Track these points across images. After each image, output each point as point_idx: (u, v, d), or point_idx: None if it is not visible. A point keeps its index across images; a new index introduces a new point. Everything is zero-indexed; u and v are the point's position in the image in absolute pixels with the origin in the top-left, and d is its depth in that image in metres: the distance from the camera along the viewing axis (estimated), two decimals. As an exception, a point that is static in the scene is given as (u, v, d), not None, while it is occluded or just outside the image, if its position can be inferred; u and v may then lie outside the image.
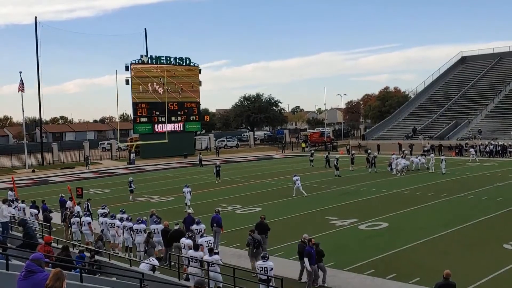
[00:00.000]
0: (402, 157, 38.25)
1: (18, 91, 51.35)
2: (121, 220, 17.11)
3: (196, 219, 16.61)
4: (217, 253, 12.91)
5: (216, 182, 34.78)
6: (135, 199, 28.81)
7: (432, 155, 39.68)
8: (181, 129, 61.95)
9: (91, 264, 12.40)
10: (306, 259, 12.60)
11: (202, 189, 31.92)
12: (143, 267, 12.72)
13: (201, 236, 14.91)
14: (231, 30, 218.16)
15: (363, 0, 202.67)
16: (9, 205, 20.90)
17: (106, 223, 17.70)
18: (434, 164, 37.33)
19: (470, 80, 71.19)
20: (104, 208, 19.51)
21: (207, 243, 13.99)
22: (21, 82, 51.18)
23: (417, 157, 39.12)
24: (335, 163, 36.96)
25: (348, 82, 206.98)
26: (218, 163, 37.65)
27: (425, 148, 46.65)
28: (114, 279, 11.43)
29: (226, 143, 76.49)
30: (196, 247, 13.42)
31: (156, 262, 13.09)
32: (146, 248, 15.06)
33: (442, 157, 37.03)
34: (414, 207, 23.19)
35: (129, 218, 17.29)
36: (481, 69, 73.02)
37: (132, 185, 29.44)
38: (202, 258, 12.78)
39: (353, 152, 45.22)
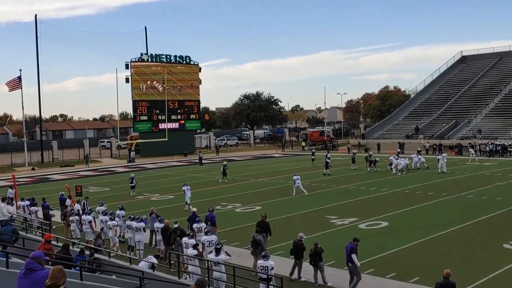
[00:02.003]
0: (397, 157, 38.10)
1: (9, 90, 50.62)
2: (111, 218, 17.09)
3: (197, 217, 16.64)
4: (226, 253, 12.81)
5: (224, 181, 34.66)
6: (135, 197, 28.85)
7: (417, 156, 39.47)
8: (181, 127, 61.94)
9: (91, 262, 12.40)
10: (354, 255, 12.55)
11: (202, 187, 31.91)
12: (143, 265, 12.71)
13: (206, 234, 14.89)
14: (232, 28, 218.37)
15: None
16: (9, 203, 20.94)
17: (106, 221, 17.68)
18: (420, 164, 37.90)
19: (470, 79, 71.16)
20: (102, 205, 19.53)
21: (209, 243, 13.90)
22: (17, 79, 50.70)
23: (417, 156, 39.11)
24: (327, 161, 36.93)
25: (348, 81, 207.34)
26: (225, 162, 37.41)
27: (419, 149, 46.61)
28: (114, 277, 11.42)
29: (226, 141, 76.49)
30: (195, 246, 13.40)
31: (154, 260, 13.09)
32: (173, 247, 14.94)
33: (438, 157, 37.10)
34: (414, 206, 23.19)
35: (132, 217, 17.22)
36: (481, 69, 72.99)
37: (133, 181, 29.88)
38: (206, 257, 12.74)
39: (354, 151, 45.17)
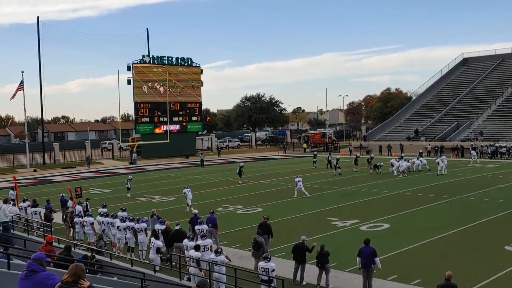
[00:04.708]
0: (400, 158, 38.11)
1: (11, 98, 50.92)
2: (122, 220, 17.09)
3: (199, 219, 16.66)
4: (224, 255, 12.82)
5: (240, 182, 34.79)
6: (136, 199, 28.88)
7: (420, 159, 39.38)
8: (183, 129, 61.99)
9: (92, 264, 12.42)
10: (377, 259, 12.48)
11: (204, 189, 31.93)
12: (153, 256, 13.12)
13: (202, 237, 14.89)
14: (234, 30, 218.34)
15: (365, 1, 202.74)
16: (14, 205, 20.97)
17: (108, 223, 17.71)
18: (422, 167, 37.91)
19: (472, 81, 71.13)
20: (104, 207, 19.57)
21: (204, 248, 13.83)
22: (21, 83, 50.83)
23: (418, 158, 39.07)
24: (335, 163, 37.39)
25: (350, 83, 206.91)
26: (242, 164, 37.61)
27: (420, 151, 46.54)
28: (115, 279, 11.44)
29: (228, 143, 76.47)
30: (197, 247, 13.42)
31: (160, 243, 13.43)
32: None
33: (437, 160, 37.05)
34: (415, 208, 23.16)
35: (131, 217, 17.30)
36: (483, 71, 72.94)
37: (128, 183, 30.16)
38: (209, 258, 12.77)
39: (357, 154, 45.08)
